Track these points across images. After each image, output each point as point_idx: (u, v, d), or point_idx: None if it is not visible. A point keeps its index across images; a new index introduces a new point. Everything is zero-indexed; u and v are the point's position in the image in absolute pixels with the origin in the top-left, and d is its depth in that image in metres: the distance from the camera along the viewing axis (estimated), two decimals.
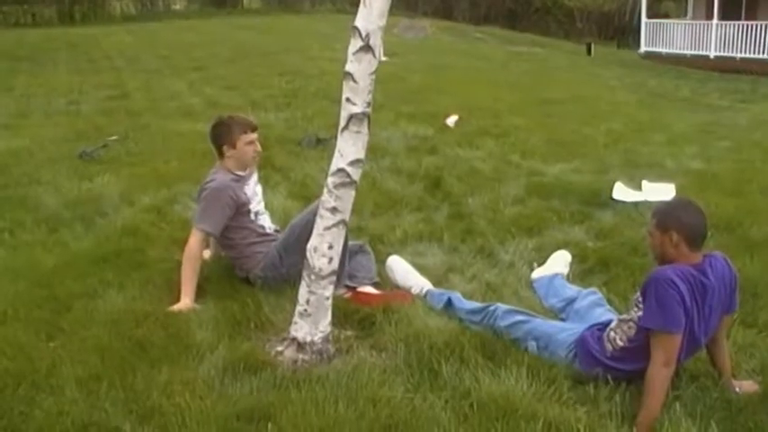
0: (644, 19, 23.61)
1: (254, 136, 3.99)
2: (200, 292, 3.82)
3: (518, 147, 7.69)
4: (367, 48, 3.02)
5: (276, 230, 4.13)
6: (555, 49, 26.52)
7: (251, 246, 3.96)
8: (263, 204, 4.17)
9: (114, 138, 7.68)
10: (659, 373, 2.75)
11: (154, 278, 4.00)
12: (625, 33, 34.03)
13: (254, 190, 4.08)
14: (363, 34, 3.01)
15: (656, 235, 2.92)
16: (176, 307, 3.61)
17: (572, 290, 3.84)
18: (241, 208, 3.92)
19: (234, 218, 3.90)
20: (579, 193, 5.77)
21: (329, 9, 38.10)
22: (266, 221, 4.11)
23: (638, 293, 2.94)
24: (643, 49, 23.31)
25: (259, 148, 4.06)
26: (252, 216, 4.00)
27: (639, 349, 2.87)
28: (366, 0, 3.01)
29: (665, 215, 2.93)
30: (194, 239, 3.82)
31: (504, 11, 39.28)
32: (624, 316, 3.07)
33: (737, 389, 2.96)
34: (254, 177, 4.15)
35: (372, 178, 6.03)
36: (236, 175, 3.97)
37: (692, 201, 3.04)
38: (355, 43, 3.03)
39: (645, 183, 6.02)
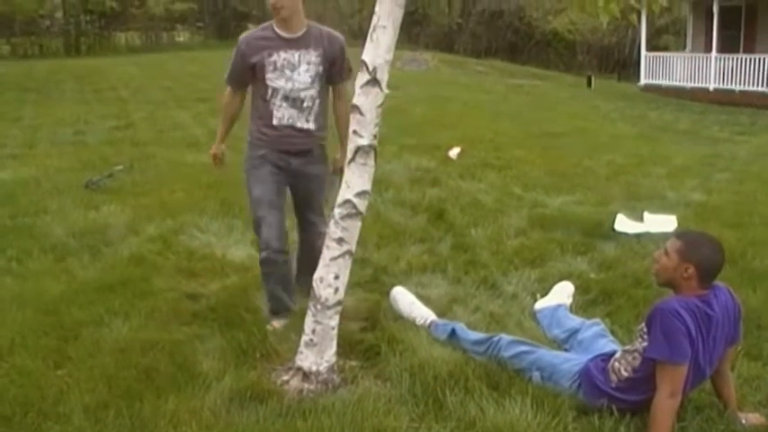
0: (644, 52, 23.80)
1: None
2: (206, 322, 3.85)
3: (520, 179, 7.75)
4: (374, 81, 3.08)
5: None
6: (555, 81, 26.73)
7: None
8: None
9: (120, 168, 7.74)
10: (665, 405, 2.77)
11: (160, 307, 4.03)
12: (625, 66, 34.31)
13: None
14: (371, 68, 3.08)
15: (673, 259, 2.92)
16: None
17: (575, 321, 3.86)
18: None
19: None
20: (581, 225, 5.81)
21: None
22: None
23: (643, 324, 2.96)
24: (643, 81, 23.47)
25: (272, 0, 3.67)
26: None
27: (644, 380, 2.89)
28: (373, 35, 3.08)
29: (690, 246, 2.92)
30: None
31: (505, 44, 39.59)
32: (628, 347, 3.09)
33: (743, 421, 2.97)
34: None
35: (376, 210, 6.07)
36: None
37: (717, 240, 3.02)
38: (362, 77, 3.10)
39: (646, 214, 6.06)
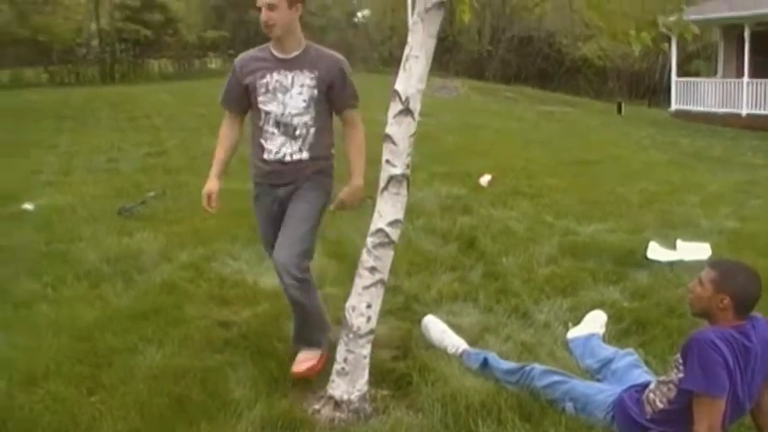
0: (674, 77, 23.65)
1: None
2: (238, 350, 3.87)
3: (551, 207, 7.71)
4: (407, 111, 3.11)
5: None
6: (586, 108, 26.65)
7: None
8: None
9: (152, 194, 7.84)
10: None
11: (192, 334, 4.05)
12: (656, 92, 34.12)
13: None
14: (403, 98, 3.10)
15: (708, 289, 2.89)
16: None
17: (608, 350, 3.81)
18: None
19: None
20: (613, 253, 5.75)
21: (361, 68, 38.75)
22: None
23: (678, 355, 2.92)
24: (674, 107, 23.29)
25: (264, 17, 3.49)
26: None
27: (680, 412, 2.84)
28: (406, 65, 3.11)
29: (725, 276, 2.88)
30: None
31: (535, 70, 39.62)
32: (663, 377, 3.04)
33: None
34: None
35: (408, 238, 6.06)
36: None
37: (752, 269, 2.98)
38: (395, 107, 3.12)
39: (679, 242, 5.99)
